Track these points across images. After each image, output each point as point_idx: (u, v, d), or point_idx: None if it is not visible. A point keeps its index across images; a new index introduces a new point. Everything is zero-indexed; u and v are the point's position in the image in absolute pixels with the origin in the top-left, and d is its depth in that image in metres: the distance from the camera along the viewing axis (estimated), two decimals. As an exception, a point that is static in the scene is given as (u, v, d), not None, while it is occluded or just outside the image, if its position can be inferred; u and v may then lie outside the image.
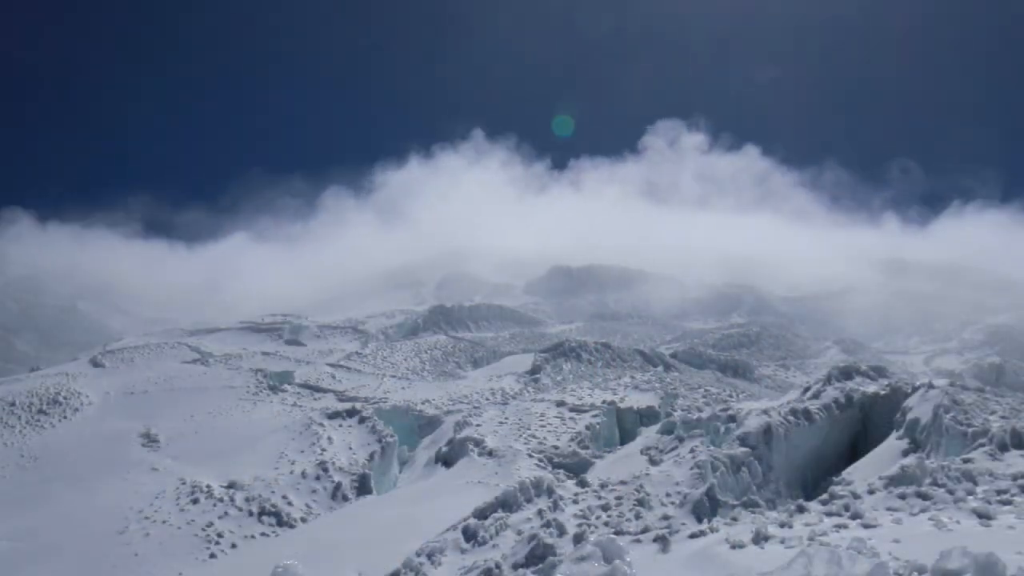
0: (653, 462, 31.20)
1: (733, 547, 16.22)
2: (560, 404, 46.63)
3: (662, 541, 18.26)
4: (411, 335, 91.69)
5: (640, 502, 25.26)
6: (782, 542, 15.83)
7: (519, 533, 22.39)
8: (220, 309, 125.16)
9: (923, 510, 17.79)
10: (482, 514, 24.79)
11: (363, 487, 35.71)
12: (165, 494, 34.67)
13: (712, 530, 19.34)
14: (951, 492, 19.11)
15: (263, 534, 31.19)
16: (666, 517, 22.99)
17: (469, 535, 22.95)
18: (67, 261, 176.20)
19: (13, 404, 50.61)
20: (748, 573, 13.66)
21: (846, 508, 18.76)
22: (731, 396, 52.69)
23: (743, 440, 29.40)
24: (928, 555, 11.37)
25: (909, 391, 32.49)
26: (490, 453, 36.00)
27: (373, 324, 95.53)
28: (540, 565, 15.85)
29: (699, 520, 22.39)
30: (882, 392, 33.87)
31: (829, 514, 18.63)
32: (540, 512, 24.78)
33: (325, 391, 57.65)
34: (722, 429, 31.91)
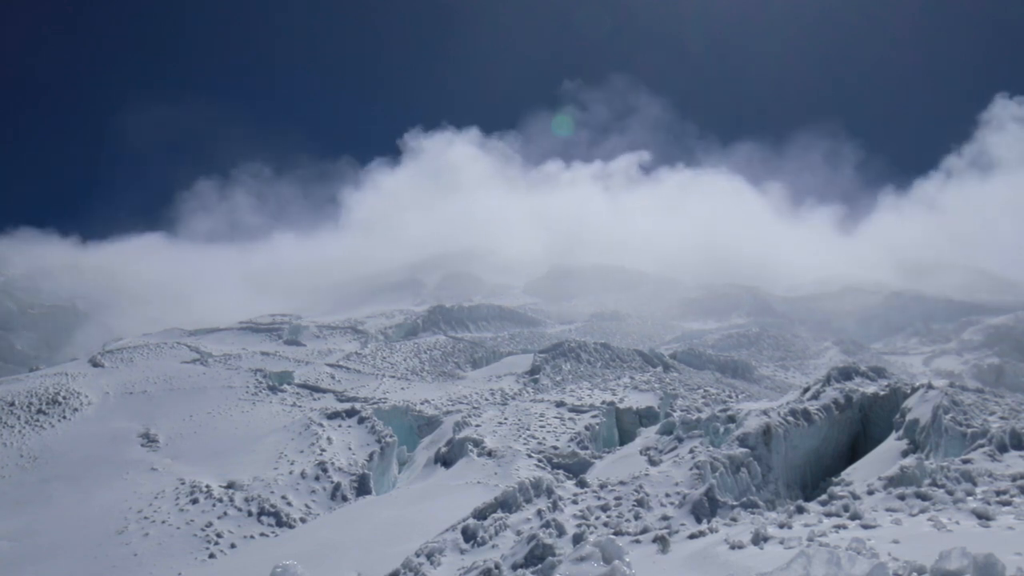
0: (652, 462, 31.20)
1: (732, 548, 16.21)
2: (559, 404, 46.66)
3: (661, 541, 18.26)
4: (410, 335, 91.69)
5: (639, 502, 25.24)
6: (781, 543, 15.81)
7: (518, 533, 22.37)
8: (218, 309, 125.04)
9: (922, 511, 17.77)
10: (481, 514, 24.78)
11: (362, 487, 35.72)
12: (164, 494, 34.67)
13: (711, 531, 19.35)
14: (950, 493, 19.10)
15: (262, 534, 31.20)
16: (665, 517, 22.98)
17: (468, 535, 22.94)
18: (67, 261, 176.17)
19: (12, 404, 50.56)
20: (747, 574, 13.65)
21: (845, 509, 18.73)
22: (730, 397, 52.71)
23: (742, 441, 29.40)
24: (927, 556, 11.37)
25: (908, 392, 32.49)
26: (489, 453, 36.01)
27: (372, 324, 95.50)
28: (539, 565, 15.84)
29: (698, 521, 22.38)
30: (881, 393, 33.86)
31: (828, 515, 18.61)
32: (539, 512, 24.76)
33: (324, 391, 57.63)
34: (721, 430, 31.91)
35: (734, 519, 21.76)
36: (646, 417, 44.10)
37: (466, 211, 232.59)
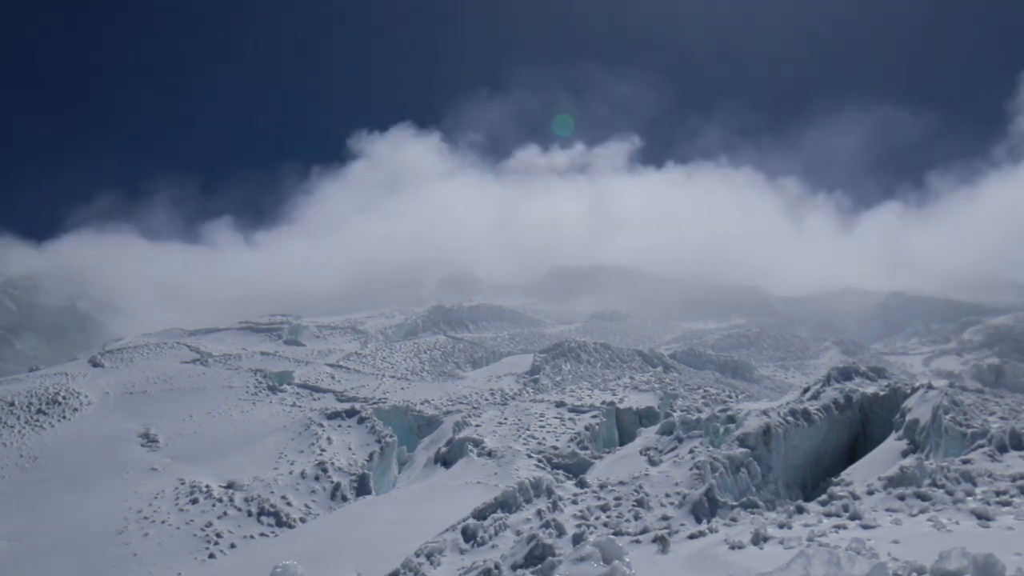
0: (652, 463, 31.19)
1: (732, 548, 16.22)
2: (559, 404, 46.65)
3: (661, 542, 18.27)
4: (410, 335, 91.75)
5: (639, 503, 25.24)
6: (781, 543, 15.82)
7: (518, 534, 22.38)
8: (218, 308, 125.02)
9: (922, 511, 17.78)
10: (481, 515, 24.79)
11: (362, 487, 35.71)
12: (164, 494, 34.66)
13: (711, 531, 19.36)
14: (950, 493, 19.11)
15: (262, 534, 31.20)
16: (665, 518, 22.99)
17: (468, 535, 22.95)
18: (67, 261, 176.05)
19: (12, 404, 50.57)
20: (747, 574, 13.65)
21: (845, 509, 18.74)
22: (730, 397, 52.69)
23: (742, 441, 29.39)
24: (927, 556, 11.36)
25: (908, 392, 32.48)
26: (489, 454, 36.01)
27: (372, 324, 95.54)
28: (539, 565, 15.85)
29: (698, 521, 22.39)
30: (881, 393, 33.85)
31: (828, 515, 18.62)
32: (539, 513, 24.76)
33: (324, 391, 57.64)
34: (721, 430, 31.91)
35: (734, 519, 21.77)
36: (646, 417, 44.08)
37: (442, 210, 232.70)
